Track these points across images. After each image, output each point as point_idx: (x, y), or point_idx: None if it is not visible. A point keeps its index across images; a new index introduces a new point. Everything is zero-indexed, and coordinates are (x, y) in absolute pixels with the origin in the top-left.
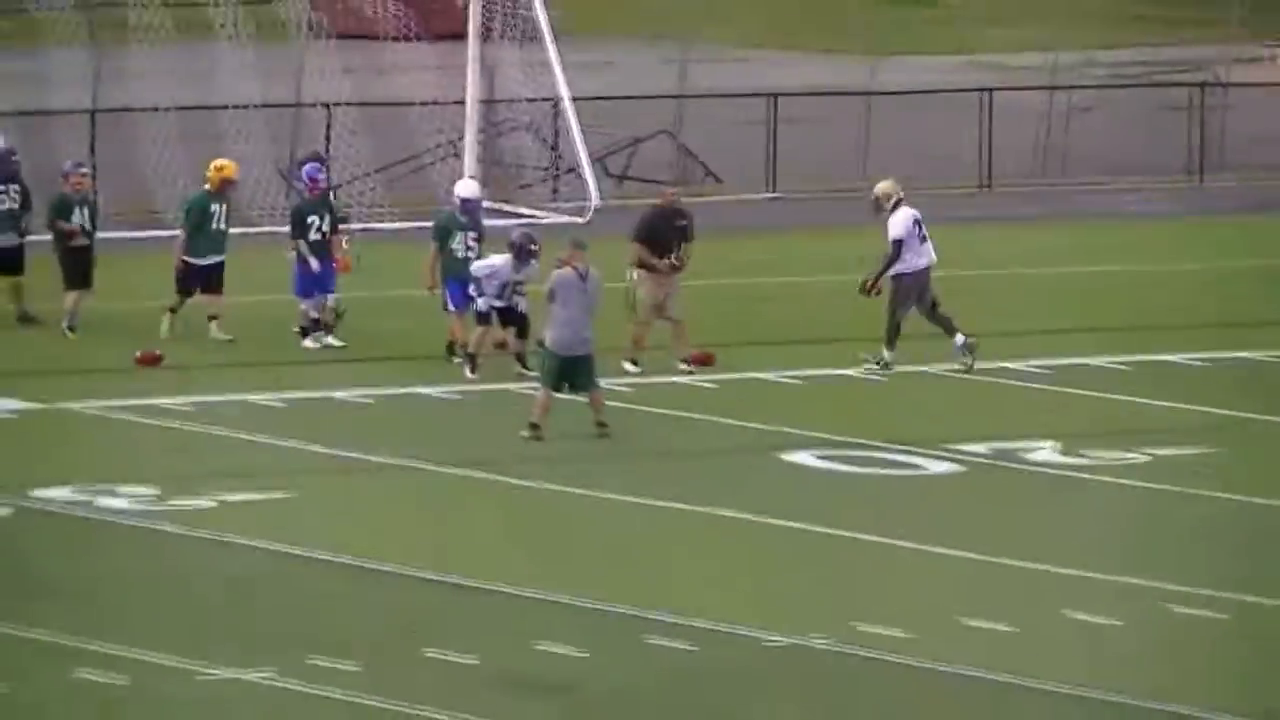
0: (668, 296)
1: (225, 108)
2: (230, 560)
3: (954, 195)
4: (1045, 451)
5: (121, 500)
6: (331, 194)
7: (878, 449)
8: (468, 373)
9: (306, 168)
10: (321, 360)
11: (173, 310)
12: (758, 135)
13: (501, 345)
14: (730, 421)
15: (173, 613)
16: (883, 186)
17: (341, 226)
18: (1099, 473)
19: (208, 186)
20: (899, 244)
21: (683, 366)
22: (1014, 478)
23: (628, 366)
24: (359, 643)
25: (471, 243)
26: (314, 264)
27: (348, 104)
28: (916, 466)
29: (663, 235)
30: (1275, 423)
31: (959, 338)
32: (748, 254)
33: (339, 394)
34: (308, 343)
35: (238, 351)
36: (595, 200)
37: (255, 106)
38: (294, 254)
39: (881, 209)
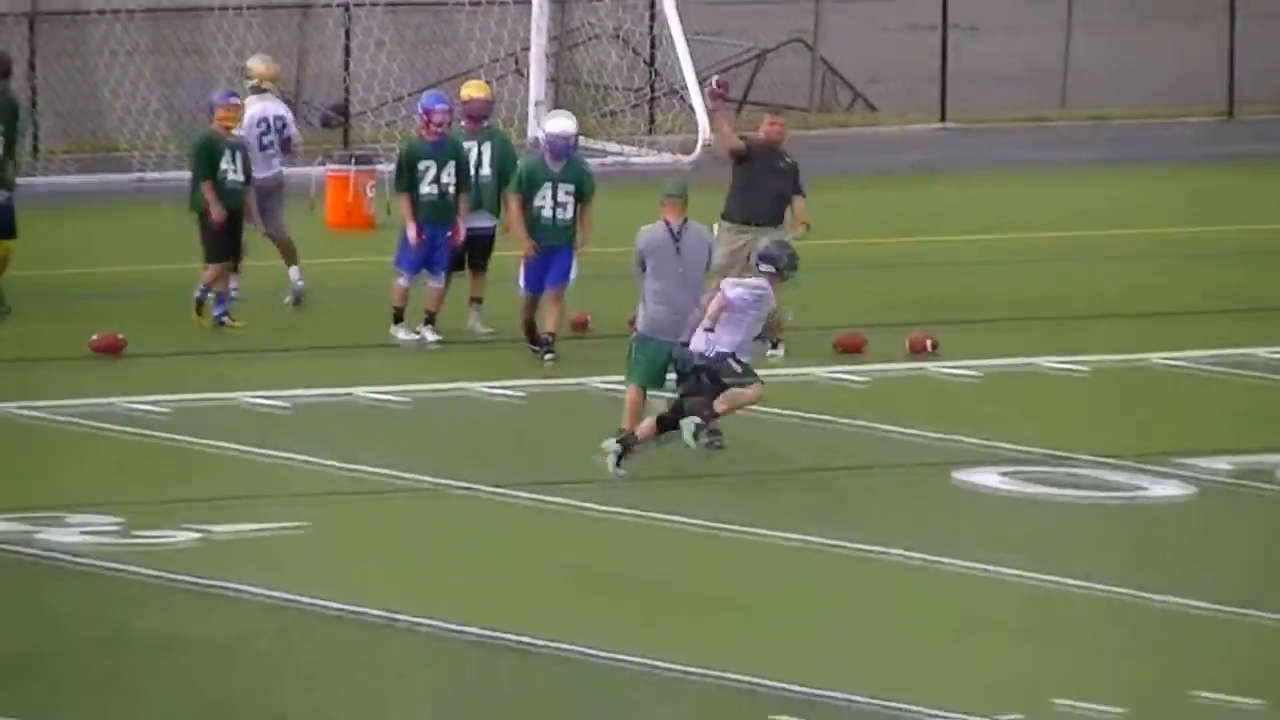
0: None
1: (209, 10)
2: (218, 615)
3: (1186, 126)
4: None
5: (73, 533)
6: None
7: (1082, 464)
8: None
9: (425, 98)
10: (340, 345)
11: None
12: (924, 45)
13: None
14: (886, 429)
15: (142, 687)
16: (255, 65)
17: (364, 168)
18: None
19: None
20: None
21: (771, 352)
22: (1266, 504)
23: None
24: None
25: (564, 197)
26: (411, 231)
27: (373, 3)
28: (1134, 489)
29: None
30: None
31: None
32: (909, 205)
33: (364, 391)
34: (399, 332)
35: (228, 337)
36: (705, 133)
37: (248, 8)
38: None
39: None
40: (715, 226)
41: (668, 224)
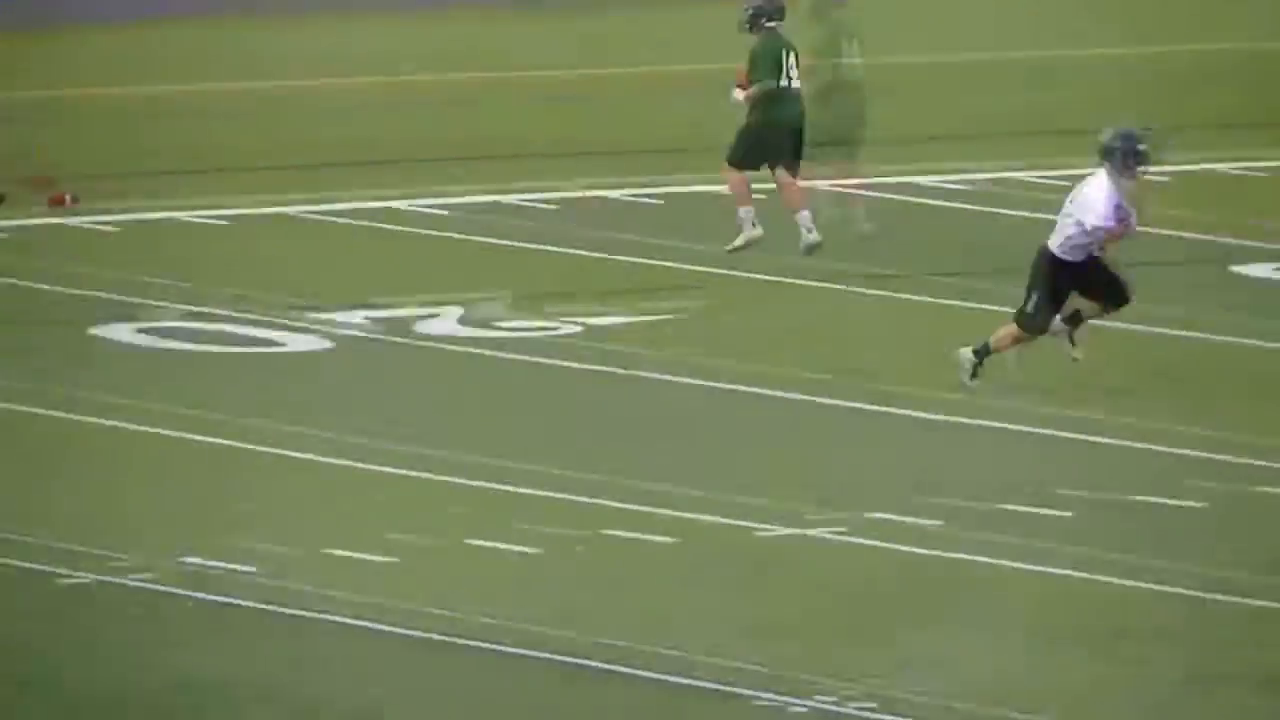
0: None
1: None
2: None
3: None
4: (446, 321)
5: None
6: None
7: (219, 319)
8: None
9: None
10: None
11: None
12: None
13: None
14: (18, 283)
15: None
16: None
17: None
18: (508, 349)
19: None
20: None
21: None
22: (397, 356)
23: None
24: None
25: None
26: None
27: None
28: (270, 343)
29: None
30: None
31: None
32: None
33: None
34: None
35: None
36: None
37: None
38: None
39: None
40: None
41: None
